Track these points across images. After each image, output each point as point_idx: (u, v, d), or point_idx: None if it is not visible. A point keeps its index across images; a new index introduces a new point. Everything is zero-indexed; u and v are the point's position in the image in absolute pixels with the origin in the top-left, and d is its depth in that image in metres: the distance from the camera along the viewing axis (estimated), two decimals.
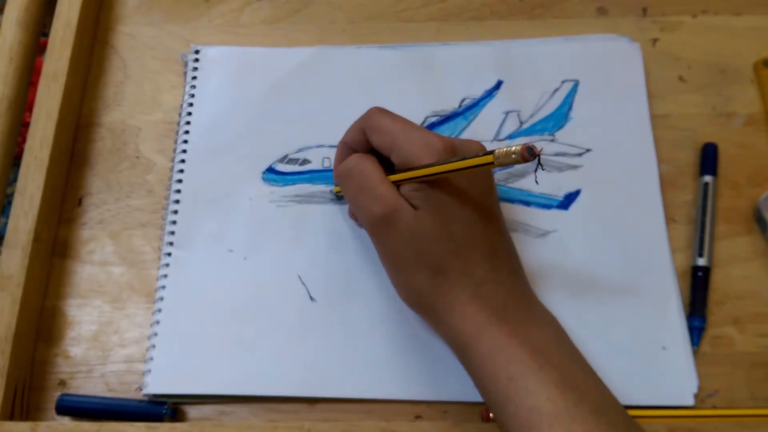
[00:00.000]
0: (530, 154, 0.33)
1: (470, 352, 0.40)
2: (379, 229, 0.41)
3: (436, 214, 0.40)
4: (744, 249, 0.48)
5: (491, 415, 0.43)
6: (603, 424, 0.36)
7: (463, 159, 0.38)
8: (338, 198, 0.49)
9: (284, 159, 0.51)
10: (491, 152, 0.35)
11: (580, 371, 0.39)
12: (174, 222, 0.49)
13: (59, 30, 0.53)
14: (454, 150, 0.40)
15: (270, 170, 0.51)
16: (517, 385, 0.37)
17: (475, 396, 0.43)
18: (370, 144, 0.43)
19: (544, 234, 0.48)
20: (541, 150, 0.34)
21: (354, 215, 0.48)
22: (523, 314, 0.41)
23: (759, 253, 0.48)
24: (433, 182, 0.40)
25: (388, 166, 0.42)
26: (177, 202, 0.50)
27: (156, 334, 0.46)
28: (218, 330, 0.46)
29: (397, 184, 0.41)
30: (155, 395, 0.45)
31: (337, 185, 0.49)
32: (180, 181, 0.50)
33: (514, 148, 0.34)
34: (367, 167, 0.42)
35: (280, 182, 0.50)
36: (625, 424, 0.38)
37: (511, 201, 0.49)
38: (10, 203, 0.49)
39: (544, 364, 0.38)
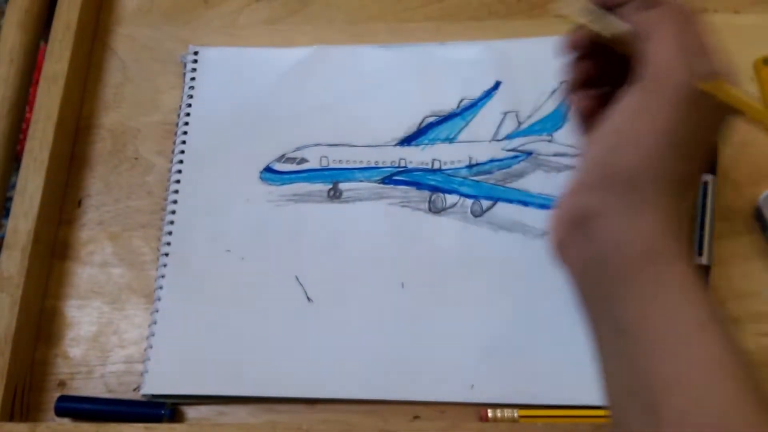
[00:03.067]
0: None
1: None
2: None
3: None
4: (744, 248, 0.48)
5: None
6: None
7: None
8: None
9: (282, 158, 0.51)
10: None
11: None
12: (172, 222, 0.49)
13: (59, 32, 0.53)
14: None
15: (268, 170, 0.51)
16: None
17: (473, 397, 0.43)
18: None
19: (543, 234, 0.48)
20: None
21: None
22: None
23: (759, 252, 0.48)
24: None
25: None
26: (175, 202, 0.50)
27: (154, 335, 0.46)
28: (216, 330, 0.46)
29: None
30: (154, 396, 0.45)
31: None
32: (178, 181, 0.50)
33: None
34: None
35: (278, 182, 0.50)
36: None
37: (510, 201, 0.49)
38: (10, 204, 0.49)
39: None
